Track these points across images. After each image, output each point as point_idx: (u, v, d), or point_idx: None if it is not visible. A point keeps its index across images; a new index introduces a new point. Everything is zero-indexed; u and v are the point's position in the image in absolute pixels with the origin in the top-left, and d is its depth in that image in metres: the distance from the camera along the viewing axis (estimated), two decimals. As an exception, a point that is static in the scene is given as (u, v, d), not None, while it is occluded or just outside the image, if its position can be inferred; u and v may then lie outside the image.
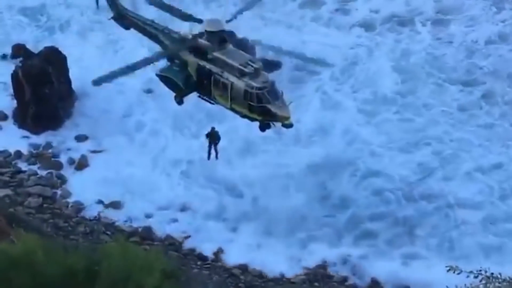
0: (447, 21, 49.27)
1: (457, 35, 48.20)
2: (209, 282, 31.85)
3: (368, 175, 39.08)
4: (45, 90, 40.75)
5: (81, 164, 39.43)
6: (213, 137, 26.74)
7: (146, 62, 24.74)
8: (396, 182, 38.66)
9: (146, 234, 36.16)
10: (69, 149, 40.29)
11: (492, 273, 14.43)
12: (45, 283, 16.67)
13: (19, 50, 44.58)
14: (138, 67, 24.71)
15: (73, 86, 42.17)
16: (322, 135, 41.45)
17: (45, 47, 42.32)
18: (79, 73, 42.30)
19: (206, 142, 27.03)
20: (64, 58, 41.75)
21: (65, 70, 41.77)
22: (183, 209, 37.53)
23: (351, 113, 42.83)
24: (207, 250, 35.63)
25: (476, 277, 14.25)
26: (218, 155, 27.30)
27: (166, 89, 26.86)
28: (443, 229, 36.46)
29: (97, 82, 25.13)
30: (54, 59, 41.53)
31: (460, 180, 38.88)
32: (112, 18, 27.00)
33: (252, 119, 24.20)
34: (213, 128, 26.75)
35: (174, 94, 25.82)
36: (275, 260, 35.28)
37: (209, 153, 27.07)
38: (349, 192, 38.26)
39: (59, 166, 39.36)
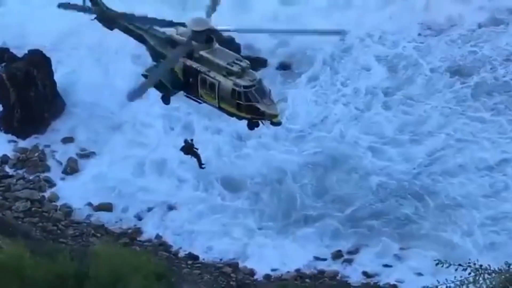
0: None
1: (446, 23, 47.95)
2: (200, 282, 31.82)
3: (363, 170, 38.94)
4: (30, 93, 40.61)
5: (68, 167, 39.30)
6: (190, 149, 26.56)
7: (168, 64, 24.58)
8: (393, 178, 38.51)
9: (136, 235, 36.09)
10: (56, 152, 40.14)
11: (481, 265, 14.38)
12: (34, 288, 16.62)
13: (3, 54, 44.31)
14: (163, 70, 24.53)
15: (58, 88, 42.01)
16: (315, 130, 41.40)
17: (29, 51, 42.12)
18: (64, 75, 42.27)
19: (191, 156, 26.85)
20: (48, 61, 41.59)
21: (50, 72, 41.60)
22: (173, 208, 37.48)
23: (343, 107, 42.72)
24: (198, 249, 35.61)
25: (465, 269, 14.21)
26: (203, 164, 27.13)
27: (153, 88, 26.77)
28: (439, 225, 36.29)
29: (132, 97, 24.70)
30: (39, 62, 41.37)
31: (458, 176, 38.50)
32: (95, 18, 26.78)
33: (241, 118, 24.14)
34: (185, 140, 26.62)
35: (161, 94, 25.69)
36: (266, 257, 35.29)
37: (200, 163, 26.92)
38: (343, 187, 38.19)
39: (47, 169, 39.23)
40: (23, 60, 41.65)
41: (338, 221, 36.73)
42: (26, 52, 42.19)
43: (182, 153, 26.88)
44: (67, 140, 40.78)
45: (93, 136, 40.84)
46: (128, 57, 42.42)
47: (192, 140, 26.64)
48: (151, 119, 41.34)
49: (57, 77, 41.95)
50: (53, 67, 41.80)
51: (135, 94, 24.34)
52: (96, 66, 43.99)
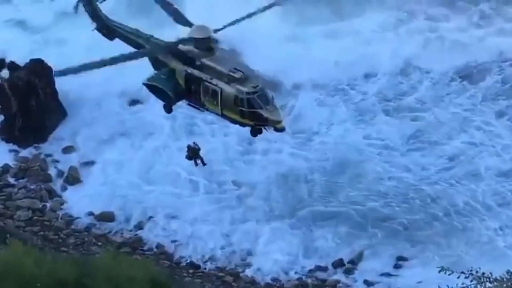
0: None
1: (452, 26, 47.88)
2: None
3: (374, 175, 38.88)
4: (31, 102, 40.65)
5: (70, 176, 39.28)
6: (195, 153, 26.45)
7: (115, 60, 24.46)
8: (400, 185, 38.38)
9: (138, 244, 36.05)
10: (57, 161, 40.15)
11: (484, 273, 14.38)
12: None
13: (4, 63, 44.38)
14: (105, 64, 24.45)
15: (59, 97, 42.03)
16: (321, 134, 41.40)
17: (31, 59, 42.13)
18: (65, 84, 42.27)
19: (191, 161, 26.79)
20: (49, 70, 41.60)
21: (51, 81, 41.62)
22: (174, 217, 37.44)
23: (349, 111, 42.71)
24: (199, 258, 35.56)
25: (467, 277, 14.19)
26: (205, 161, 26.97)
27: (154, 97, 26.79)
28: (444, 234, 36.10)
29: (59, 74, 25.00)
30: (40, 71, 41.41)
31: (469, 183, 38.35)
32: (95, 29, 26.82)
33: (244, 125, 24.06)
34: (189, 146, 26.53)
35: (163, 102, 25.64)
36: (268, 265, 35.23)
37: (196, 163, 26.74)
38: (352, 192, 38.13)
39: (48, 178, 39.21)
40: (24, 68, 41.69)
41: (340, 227, 36.68)
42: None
43: (187, 160, 26.71)
44: (68, 149, 40.79)
45: (95, 144, 40.85)
46: (129, 66, 42.33)
47: (194, 143, 26.45)
48: (154, 125, 41.21)
49: (58, 85, 41.98)
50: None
51: (62, 72, 24.43)
52: (97, 75, 43.84)
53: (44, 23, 47.84)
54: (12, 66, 43.42)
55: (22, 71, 41.64)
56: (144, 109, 41.86)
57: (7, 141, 41.06)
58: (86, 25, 26.91)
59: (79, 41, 44.08)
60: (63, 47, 44.96)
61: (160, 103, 25.58)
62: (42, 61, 41.74)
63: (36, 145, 40.95)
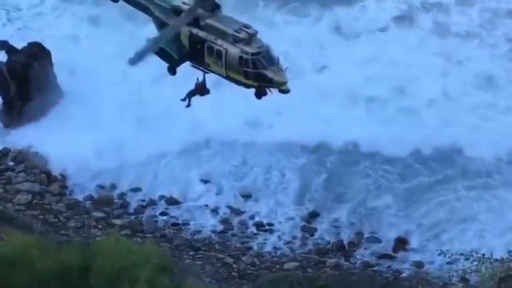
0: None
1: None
2: (202, 273, 31.92)
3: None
4: (30, 86, 40.66)
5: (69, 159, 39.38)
6: (202, 90, 25.60)
7: (172, 30, 24.36)
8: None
9: (137, 227, 36.19)
10: (56, 144, 40.17)
11: (484, 254, 14.56)
12: (41, 280, 16.71)
13: (3, 46, 44.33)
14: (166, 36, 24.32)
15: (58, 81, 42.07)
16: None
17: (29, 43, 42.13)
18: (64, 67, 42.33)
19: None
20: (48, 53, 41.63)
21: (50, 65, 41.62)
22: (174, 200, 37.59)
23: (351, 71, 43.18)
24: (200, 239, 35.72)
25: (467, 259, 14.37)
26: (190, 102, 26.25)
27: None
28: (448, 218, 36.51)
29: (133, 61, 24.28)
30: (38, 54, 41.40)
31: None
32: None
33: (248, 86, 23.92)
34: (197, 82, 25.62)
35: (167, 65, 25.39)
36: (268, 246, 35.42)
37: (189, 102, 25.97)
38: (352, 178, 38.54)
39: (47, 162, 39.27)
40: (23, 52, 41.66)
41: (342, 210, 36.93)
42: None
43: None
44: (67, 131, 40.72)
45: (93, 127, 40.79)
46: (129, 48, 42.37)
47: (204, 76, 25.59)
48: (154, 109, 41.18)
49: (56, 69, 42.00)
50: (53, 59, 41.86)
51: (137, 58, 24.03)
52: (96, 58, 43.97)
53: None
54: (10, 49, 43.44)
55: (20, 54, 41.60)
56: (143, 88, 41.80)
57: (6, 124, 41.10)
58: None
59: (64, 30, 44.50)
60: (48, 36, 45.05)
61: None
62: (41, 44, 41.76)
63: (34, 128, 40.96)
